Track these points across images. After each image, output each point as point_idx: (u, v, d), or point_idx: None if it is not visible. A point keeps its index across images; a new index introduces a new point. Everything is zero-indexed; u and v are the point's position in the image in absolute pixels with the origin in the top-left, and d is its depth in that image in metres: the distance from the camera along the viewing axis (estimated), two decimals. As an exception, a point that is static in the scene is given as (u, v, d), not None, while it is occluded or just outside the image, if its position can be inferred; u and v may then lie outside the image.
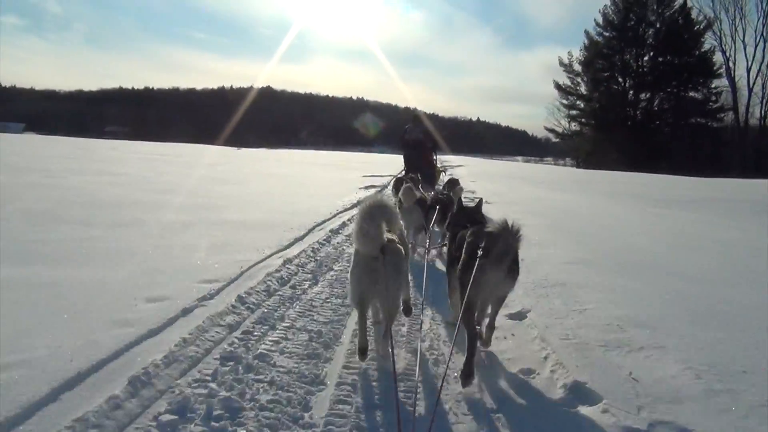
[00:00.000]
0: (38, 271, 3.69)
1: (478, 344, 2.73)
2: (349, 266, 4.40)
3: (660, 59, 39.86)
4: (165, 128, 64.37)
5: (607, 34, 40.74)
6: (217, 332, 2.90)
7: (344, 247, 5.48)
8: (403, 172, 10.18)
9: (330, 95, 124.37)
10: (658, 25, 39.41)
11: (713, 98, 38.83)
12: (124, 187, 9.17)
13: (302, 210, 7.42)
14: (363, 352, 2.68)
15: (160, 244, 4.87)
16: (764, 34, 35.99)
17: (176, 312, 3.09)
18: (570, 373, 2.45)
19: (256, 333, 3.00)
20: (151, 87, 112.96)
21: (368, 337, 2.81)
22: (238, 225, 6.04)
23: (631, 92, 41.30)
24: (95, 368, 2.33)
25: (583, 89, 42.50)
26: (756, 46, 36.56)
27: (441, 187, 8.22)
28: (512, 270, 2.70)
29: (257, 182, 11.82)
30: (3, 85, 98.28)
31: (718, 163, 33.98)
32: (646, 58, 40.65)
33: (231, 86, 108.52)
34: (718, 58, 37.91)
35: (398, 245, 2.81)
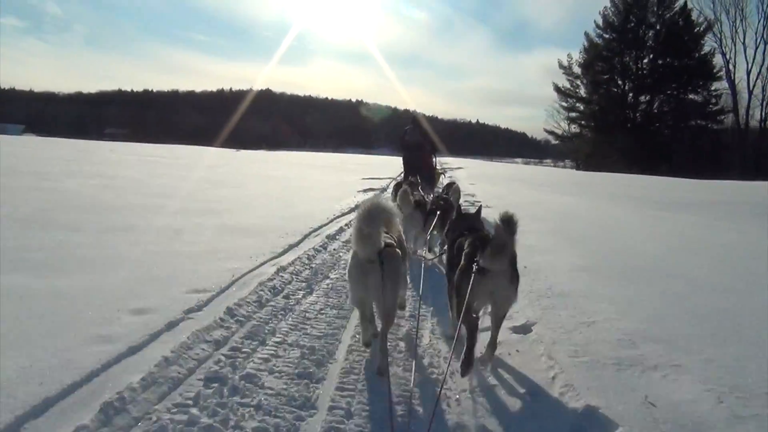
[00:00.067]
0: (16, 280, 3.51)
1: (476, 358, 2.64)
2: (344, 273, 4.31)
3: (660, 61, 39.78)
4: (164, 130, 64.33)
5: (606, 36, 40.70)
6: (202, 349, 2.71)
7: (341, 254, 5.30)
8: (402, 175, 10.04)
9: (329, 97, 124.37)
10: (658, 27, 39.35)
11: (713, 100, 38.78)
12: (119, 191, 9.01)
13: (299, 214, 7.26)
14: (368, 345, 2.92)
15: (151, 251, 4.69)
16: (765, 36, 35.94)
17: (160, 326, 2.90)
18: (581, 395, 2.27)
19: (244, 349, 2.81)
20: (150, 89, 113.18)
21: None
22: (233, 230, 5.87)
23: (631, 94, 41.23)
24: (66, 392, 2.14)
25: (582, 91, 42.48)
26: (756, 48, 36.49)
27: (441, 190, 8.10)
28: (513, 277, 2.63)
29: (255, 185, 11.66)
30: (2, 86, 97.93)
31: (718, 165, 33.81)
32: (646, 61, 40.60)
33: (230, 88, 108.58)
34: (718, 60, 37.88)
35: (396, 249, 2.81)
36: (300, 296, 3.85)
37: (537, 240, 5.88)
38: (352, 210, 7.94)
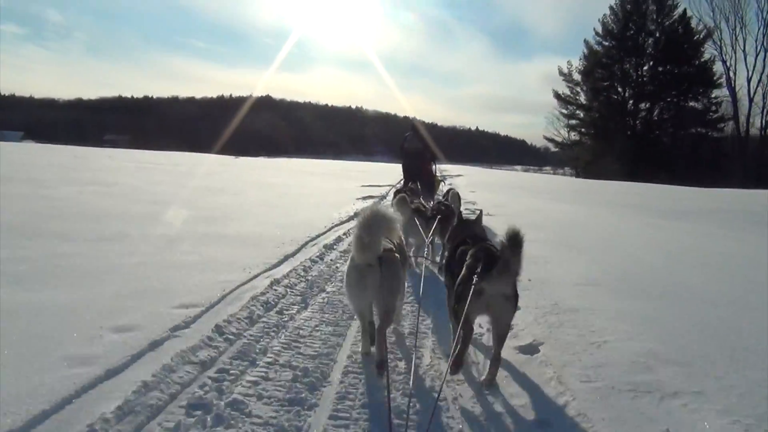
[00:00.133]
0: (-5, 295, 3.32)
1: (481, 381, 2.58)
2: (342, 286, 4.15)
3: (660, 69, 39.78)
4: (164, 137, 64.23)
5: (606, 43, 40.69)
6: (186, 372, 2.53)
7: (338, 265, 5.12)
8: (402, 182, 9.91)
9: (329, 104, 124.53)
10: (657, 35, 39.37)
11: (713, 108, 38.69)
12: (115, 198, 8.84)
13: (297, 222, 7.09)
14: (367, 354, 2.89)
15: (142, 262, 4.52)
16: (765, 43, 35.91)
17: (143, 345, 2.72)
18: (596, 428, 2.08)
19: (232, 371, 2.63)
20: (150, 95, 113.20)
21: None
22: (229, 239, 5.71)
23: (631, 102, 41.16)
24: (33, 423, 1.96)
25: (582, 99, 42.40)
26: (756, 55, 36.44)
27: (441, 197, 7.99)
28: (513, 295, 2.54)
29: (253, 192, 11.49)
30: (2, 93, 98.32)
31: (719, 173, 33.70)
32: (645, 68, 40.58)
33: (230, 95, 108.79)
34: (718, 67, 37.85)
35: (396, 254, 2.84)
36: (294, 311, 3.67)
37: (539, 250, 5.71)
38: (351, 218, 7.77)
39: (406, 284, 3.58)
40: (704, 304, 3.97)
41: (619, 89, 41.22)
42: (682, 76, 38.57)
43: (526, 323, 3.36)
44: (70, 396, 2.17)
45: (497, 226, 7.26)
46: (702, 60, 38.14)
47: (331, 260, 5.29)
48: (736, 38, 36.91)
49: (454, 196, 6.80)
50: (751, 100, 37.08)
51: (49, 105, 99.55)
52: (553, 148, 47.85)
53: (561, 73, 42.35)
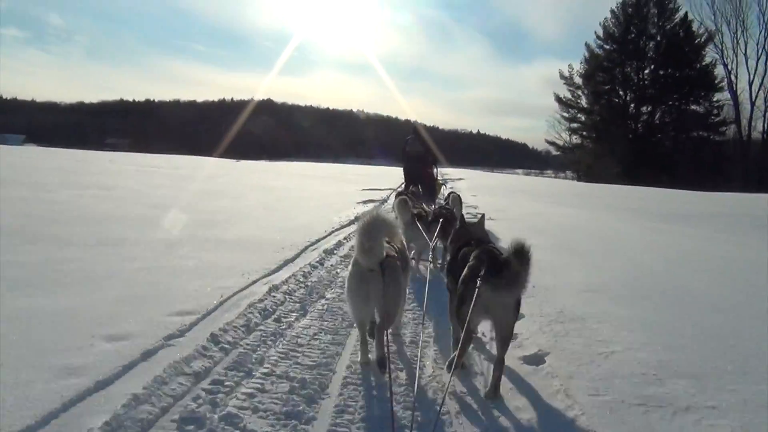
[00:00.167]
0: (-14, 301, 3.24)
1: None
2: (342, 293, 4.07)
3: (661, 72, 39.73)
4: (166, 140, 64.30)
5: (607, 47, 40.68)
6: (179, 384, 2.43)
7: (338, 270, 5.04)
8: (403, 185, 9.84)
9: (330, 107, 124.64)
10: (658, 38, 39.35)
11: (715, 112, 38.63)
12: (115, 202, 8.77)
13: (297, 226, 7.01)
14: (366, 364, 2.82)
15: (139, 267, 4.45)
16: (766, 47, 35.87)
17: (135, 355, 2.63)
18: (607, 445, 1.99)
19: (227, 383, 2.53)
20: (152, 99, 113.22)
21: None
22: (228, 243, 5.63)
23: (632, 105, 41.10)
24: (16, 440, 1.87)
25: (583, 102, 42.38)
26: (758, 59, 36.39)
27: (442, 201, 7.93)
28: (516, 302, 2.50)
29: (254, 196, 11.42)
30: (4, 97, 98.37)
31: (720, 177, 33.66)
32: (647, 71, 40.53)
33: (231, 98, 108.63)
34: (719, 71, 37.77)
35: (397, 260, 2.84)
36: (292, 319, 3.57)
37: (542, 255, 5.58)
38: (351, 222, 7.69)
39: (407, 290, 3.50)
40: (709, 310, 3.89)
41: (621, 93, 41.21)
42: (683, 80, 38.51)
43: (530, 332, 3.26)
44: (56, 410, 2.08)
45: (499, 230, 7.19)
46: (703, 63, 38.13)
47: (331, 265, 5.20)
48: (737, 41, 36.90)
49: (455, 199, 6.75)
50: (752, 104, 37.05)
51: (50, 109, 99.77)
52: (554, 151, 47.82)
53: (562, 76, 42.38)
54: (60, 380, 2.32)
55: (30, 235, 5.41)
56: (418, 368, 2.70)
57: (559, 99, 42.64)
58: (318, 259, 5.31)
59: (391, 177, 19.62)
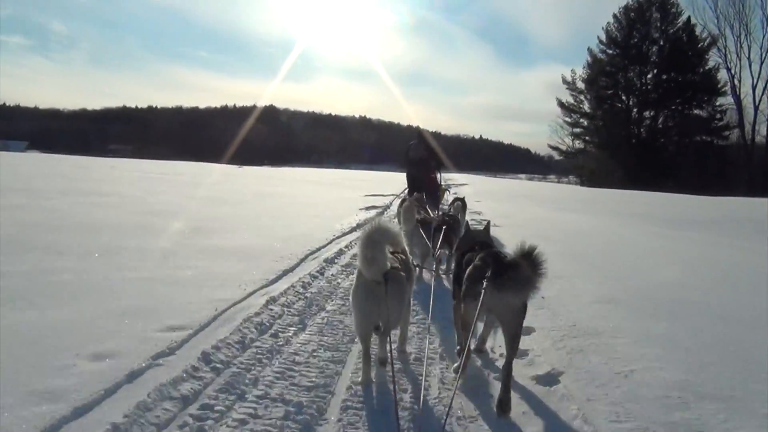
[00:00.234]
0: (-35, 318, 3.07)
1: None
2: (342, 304, 3.90)
3: (664, 77, 39.53)
4: (168, 147, 64.41)
5: (610, 51, 40.51)
6: (165, 410, 2.25)
7: (339, 280, 4.86)
8: (406, 191, 9.68)
9: (333, 113, 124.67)
10: (661, 43, 39.17)
11: (718, 116, 38.34)
12: (113, 209, 8.61)
13: (297, 234, 6.83)
14: (367, 384, 2.71)
15: (134, 277, 4.29)
16: (770, 51, 35.62)
17: (119, 377, 2.45)
18: (634, 482, 1.79)
19: (217, 407, 2.35)
20: (154, 105, 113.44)
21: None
22: (226, 252, 5.46)
23: (635, 110, 40.88)
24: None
25: (586, 107, 42.15)
26: (762, 63, 36.08)
27: (447, 207, 7.79)
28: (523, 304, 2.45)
29: (255, 203, 11.26)
30: (7, 104, 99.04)
31: (724, 181, 33.33)
32: (650, 76, 40.33)
33: (234, 105, 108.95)
34: (723, 75, 37.45)
35: (401, 272, 2.80)
36: (290, 334, 3.39)
37: (550, 263, 5.40)
38: (353, 229, 7.52)
39: (411, 301, 3.34)
40: (728, 323, 3.69)
41: (624, 97, 40.99)
42: (686, 84, 38.29)
43: (542, 348, 3.07)
44: (28, 442, 1.90)
45: (505, 237, 7.00)
46: (706, 68, 37.91)
47: (331, 275, 5.02)
48: (740, 46, 36.65)
49: (458, 207, 6.59)
50: (756, 108, 36.74)
51: (53, 115, 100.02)
52: (557, 156, 47.55)
53: (564, 81, 42.23)
54: (34, 406, 2.14)
55: (23, 243, 5.25)
56: (422, 388, 2.53)
57: (561, 104, 42.51)
58: (318, 268, 5.13)
59: (394, 183, 19.47)
